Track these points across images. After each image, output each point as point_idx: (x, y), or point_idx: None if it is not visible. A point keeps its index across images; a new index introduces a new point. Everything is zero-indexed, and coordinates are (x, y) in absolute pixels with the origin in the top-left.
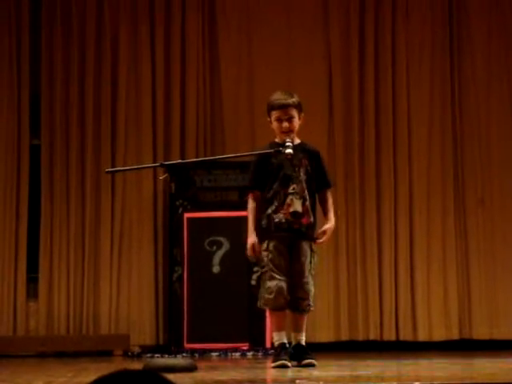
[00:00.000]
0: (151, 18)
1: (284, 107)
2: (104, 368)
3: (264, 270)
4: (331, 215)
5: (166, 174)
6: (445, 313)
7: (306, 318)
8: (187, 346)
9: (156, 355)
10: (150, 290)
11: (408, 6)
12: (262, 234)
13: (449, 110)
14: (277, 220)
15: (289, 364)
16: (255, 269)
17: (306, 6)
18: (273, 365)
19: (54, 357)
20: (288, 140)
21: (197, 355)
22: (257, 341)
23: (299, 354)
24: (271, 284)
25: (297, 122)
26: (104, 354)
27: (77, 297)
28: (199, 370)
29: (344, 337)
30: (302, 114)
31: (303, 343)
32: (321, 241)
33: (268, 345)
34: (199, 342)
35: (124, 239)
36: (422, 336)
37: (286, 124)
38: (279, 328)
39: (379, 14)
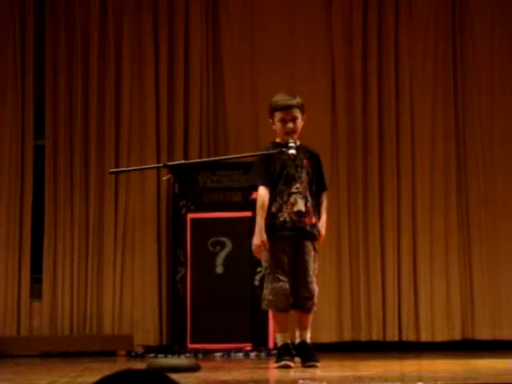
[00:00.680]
0: (154, 20)
1: (288, 108)
2: (107, 368)
3: (267, 271)
4: (324, 218)
5: (169, 175)
6: (447, 313)
7: (311, 317)
8: (190, 346)
9: (159, 355)
10: (153, 291)
11: (411, 5)
12: (265, 233)
13: (452, 109)
14: (281, 219)
15: (292, 365)
16: (258, 269)
17: (309, 5)
18: (276, 365)
19: (58, 357)
20: (291, 141)
21: (200, 355)
22: (260, 341)
23: (304, 354)
24: (275, 285)
25: (300, 123)
26: (107, 354)
27: (80, 297)
28: (202, 370)
29: (347, 337)
30: (305, 116)
31: (308, 341)
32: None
33: (271, 345)
34: (202, 343)
35: (127, 239)
36: (425, 336)
37: (290, 125)
38: (282, 329)
39: (382, 14)
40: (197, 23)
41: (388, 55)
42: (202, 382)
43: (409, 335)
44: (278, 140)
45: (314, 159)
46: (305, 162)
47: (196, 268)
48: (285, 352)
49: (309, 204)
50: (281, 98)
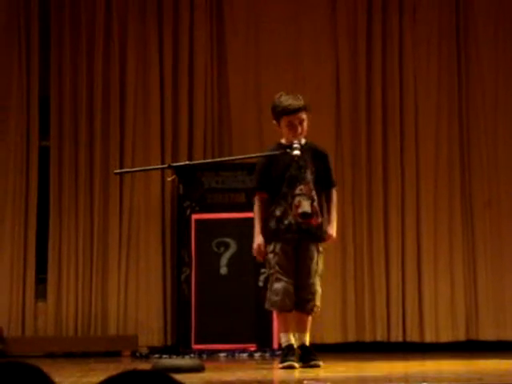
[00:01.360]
0: (159, 19)
1: (296, 112)
2: (112, 368)
3: (271, 272)
4: (334, 216)
5: (174, 176)
6: (452, 314)
7: (310, 319)
8: (195, 346)
9: (164, 356)
10: (157, 291)
11: (415, 5)
12: (269, 236)
13: (456, 111)
14: (286, 222)
15: (296, 365)
16: (262, 270)
17: (314, 5)
18: (280, 366)
19: (63, 357)
20: (296, 142)
21: (204, 356)
22: (264, 342)
23: (304, 355)
24: (278, 286)
25: (307, 124)
26: (112, 354)
27: (85, 297)
28: (207, 371)
29: (351, 338)
30: (310, 115)
31: (307, 344)
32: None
33: (275, 346)
34: (207, 343)
35: (132, 240)
36: (429, 337)
37: (298, 129)
38: (286, 329)
39: (386, 14)
40: (201, 23)
41: (392, 56)
42: (207, 383)
43: (413, 336)
44: (282, 141)
45: (321, 158)
46: (309, 161)
47: (200, 269)
48: (289, 352)
49: (315, 204)
50: (287, 102)
